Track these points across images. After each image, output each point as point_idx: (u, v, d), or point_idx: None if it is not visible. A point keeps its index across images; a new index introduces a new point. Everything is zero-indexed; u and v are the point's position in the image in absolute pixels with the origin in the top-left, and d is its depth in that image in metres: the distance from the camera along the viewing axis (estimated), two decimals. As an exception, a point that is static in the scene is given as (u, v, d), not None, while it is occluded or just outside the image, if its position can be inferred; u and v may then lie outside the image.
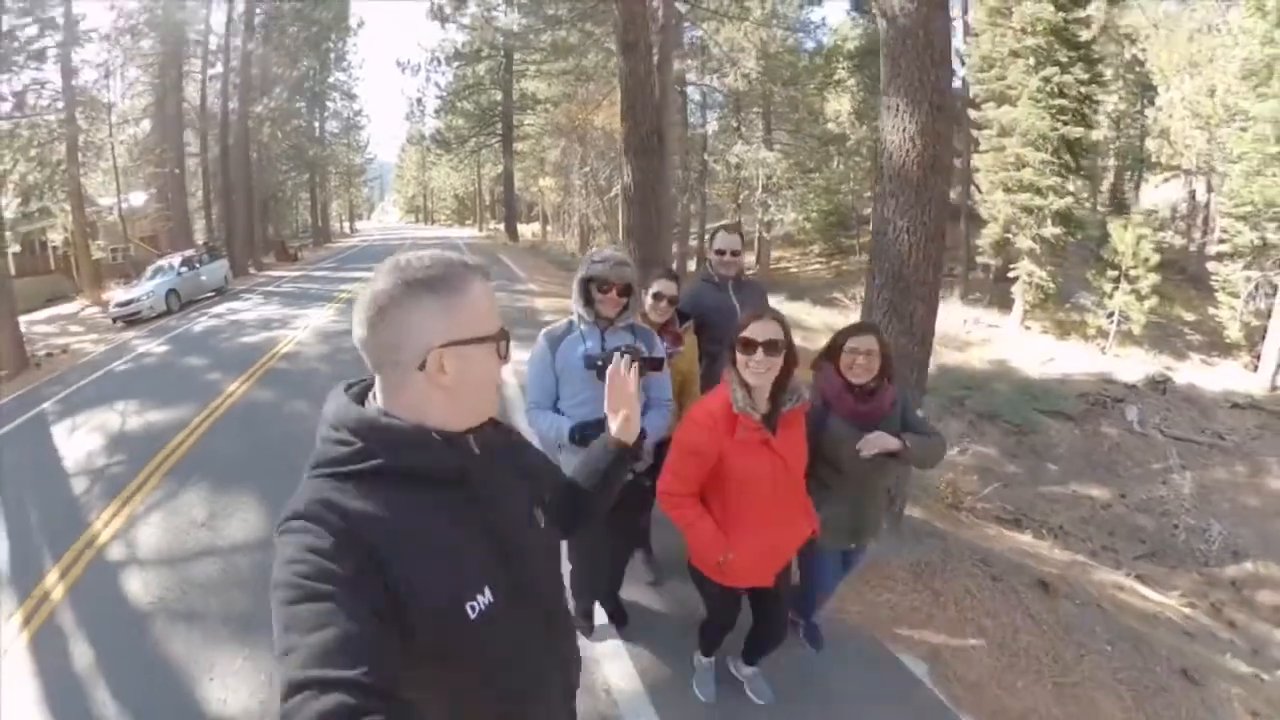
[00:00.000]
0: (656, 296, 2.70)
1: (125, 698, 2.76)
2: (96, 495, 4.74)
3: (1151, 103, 26.71)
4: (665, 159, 9.15)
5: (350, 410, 0.87)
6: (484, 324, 0.90)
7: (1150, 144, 26.60)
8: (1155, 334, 19.07)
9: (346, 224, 53.89)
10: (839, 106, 22.64)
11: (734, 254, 3.16)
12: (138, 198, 23.05)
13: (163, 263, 14.51)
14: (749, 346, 1.85)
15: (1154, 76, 26.04)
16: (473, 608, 0.84)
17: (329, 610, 0.71)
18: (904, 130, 3.17)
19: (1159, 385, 15.69)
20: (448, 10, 18.52)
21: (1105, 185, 29.66)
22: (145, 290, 13.11)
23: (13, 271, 17.46)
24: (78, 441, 5.98)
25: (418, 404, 0.88)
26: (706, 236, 2.84)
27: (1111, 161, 29.32)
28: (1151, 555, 10.92)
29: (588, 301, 2.25)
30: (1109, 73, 28.86)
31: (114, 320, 12.88)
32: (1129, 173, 29.70)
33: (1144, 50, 26.93)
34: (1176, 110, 24.50)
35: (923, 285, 3.33)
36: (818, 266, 24.89)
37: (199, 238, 21.22)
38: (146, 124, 22.50)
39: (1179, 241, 26.16)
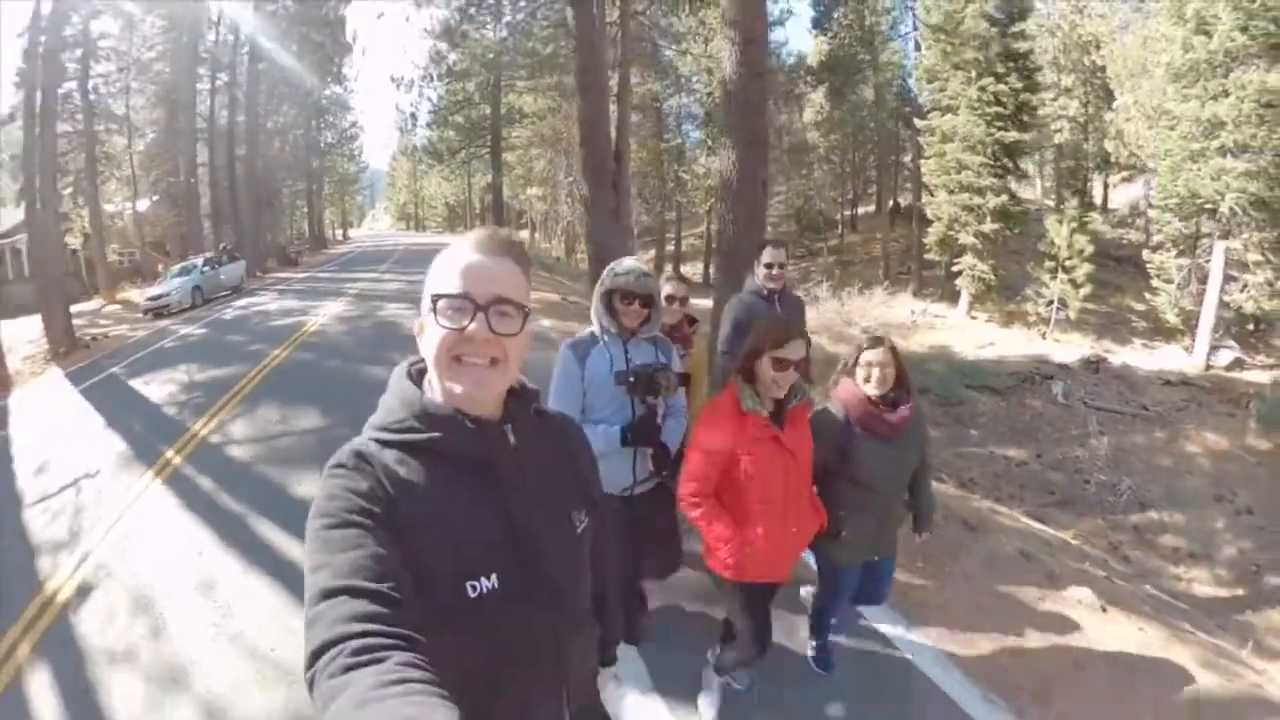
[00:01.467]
0: (668, 299, 2.87)
1: (241, 499, 4.70)
2: (188, 414, 6.72)
3: (1109, 106, 28.87)
4: (623, 174, 11.18)
5: (401, 384, 0.96)
6: (436, 282, 0.92)
7: (1109, 145, 28.75)
8: (1103, 321, 20.98)
9: (339, 231, 56.00)
10: (807, 117, 24.84)
11: (780, 268, 3.37)
12: (141, 204, 25.02)
13: (188, 262, 16.59)
14: (781, 365, 1.97)
15: (1111, 81, 28.19)
16: (473, 587, 0.88)
17: (361, 535, 0.78)
18: (730, 159, 5.18)
19: (1092, 365, 17.62)
20: (445, 45, 20.47)
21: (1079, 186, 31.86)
22: (174, 286, 15.12)
23: (26, 273, 19.78)
24: (156, 389, 7.94)
25: (432, 381, 0.95)
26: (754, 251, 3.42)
27: (1090, 164, 31.54)
28: (1060, 504, 12.73)
29: (610, 313, 2.30)
30: (1071, 79, 31.37)
31: (145, 312, 14.82)
32: (1097, 173, 31.89)
33: (1103, 56, 29.16)
34: (1130, 112, 26.60)
35: (745, 254, 5.27)
36: (790, 267, 26.71)
37: (208, 243, 23.23)
38: (151, 135, 24.71)
39: (1137, 237, 28.25)
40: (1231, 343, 18.22)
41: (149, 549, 4.14)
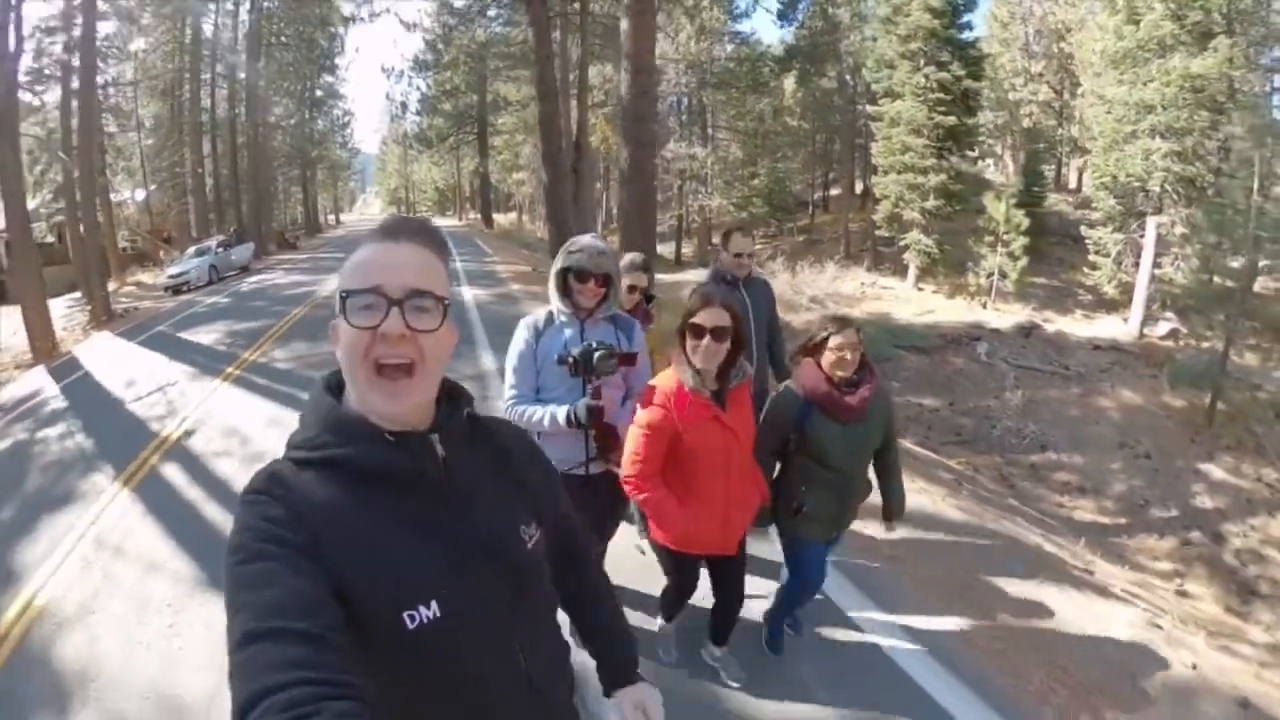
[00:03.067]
0: (629, 289, 3.02)
1: (289, 386, 7.05)
2: (236, 348, 9.15)
3: (1073, 93, 31.02)
4: (583, 161, 13.56)
5: (317, 396, 0.91)
6: (345, 278, 0.86)
7: (1075, 129, 30.93)
8: (1050, 294, 23.12)
9: (332, 216, 58.38)
10: (776, 103, 27.09)
11: (749, 256, 3.47)
12: (139, 194, 27.18)
13: (203, 244, 18.99)
14: (698, 332, 2.05)
15: (1077, 68, 30.27)
16: (411, 618, 0.81)
17: (278, 569, 0.73)
18: (625, 156, 7.51)
19: (1025, 331, 19.84)
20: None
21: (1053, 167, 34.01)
22: (192, 265, 17.54)
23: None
24: (203, 336, 10.35)
25: (350, 388, 0.89)
26: (719, 238, 4.47)
27: (1064, 147, 33.65)
28: (962, 444, 14.82)
29: (565, 293, 2.30)
30: (1040, 65, 33.47)
31: (165, 289, 17.23)
32: (1069, 156, 34.07)
33: (1071, 44, 31.30)
34: (1091, 98, 28.68)
35: (640, 229, 7.69)
36: (760, 246, 28.99)
37: (212, 229, 25.56)
38: (152, 127, 26.96)
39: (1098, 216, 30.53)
40: (1170, 314, 19.74)
41: (228, 413, 6.59)
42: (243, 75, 25.39)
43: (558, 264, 2.30)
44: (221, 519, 4.46)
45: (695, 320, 2.06)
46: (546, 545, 1.03)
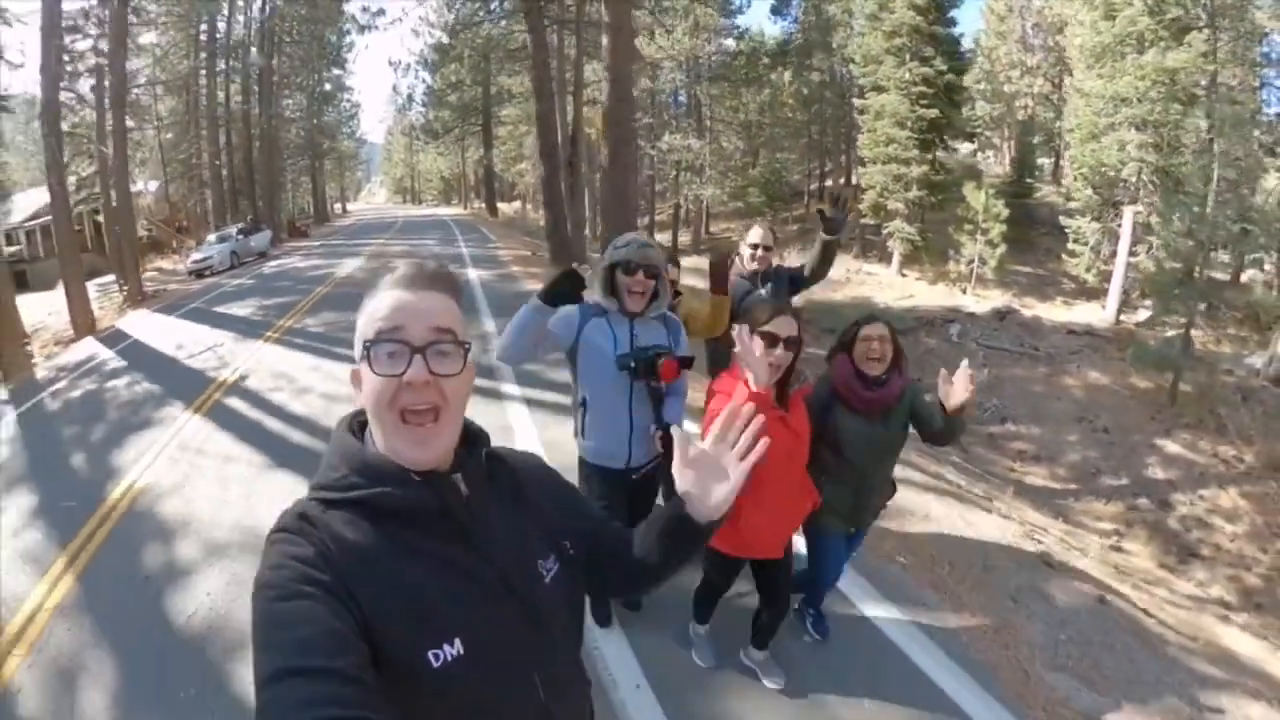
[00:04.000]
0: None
1: (324, 344, 8.45)
2: (270, 318, 10.57)
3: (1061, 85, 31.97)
4: (578, 155, 14.92)
5: (341, 438, 0.94)
6: (367, 326, 0.89)
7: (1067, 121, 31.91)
8: (1033, 282, 24.24)
9: (338, 205, 59.97)
10: (767, 98, 28.32)
11: (766, 249, 3.37)
12: (153, 185, 28.81)
13: (224, 231, 20.50)
14: (772, 341, 2.06)
15: (1071, 62, 31.23)
16: (436, 656, 0.84)
17: (310, 608, 0.75)
18: (606, 152, 8.84)
19: (1001, 315, 21.04)
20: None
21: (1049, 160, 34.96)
22: (215, 250, 19.00)
23: (50, 251, 23.28)
24: (238, 310, 11.79)
25: (375, 433, 0.91)
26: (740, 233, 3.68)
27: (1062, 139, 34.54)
28: None
29: (611, 290, 2.31)
30: (1037, 58, 34.33)
31: (190, 273, 18.68)
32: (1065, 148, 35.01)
33: (1067, 37, 32.26)
34: (1071, 91, 29.62)
35: (620, 217, 9.04)
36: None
37: (226, 218, 27.06)
38: (171, 121, 28.45)
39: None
40: (1148, 302, 20.37)
41: (274, 363, 8.04)
42: (257, 71, 26.84)
43: (604, 261, 2.33)
44: (281, 429, 5.90)
45: (769, 329, 2.07)
46: (567, 582, 1.05)
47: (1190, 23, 19.58)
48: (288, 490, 4.60)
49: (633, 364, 2.24)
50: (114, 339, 11.34)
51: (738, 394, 1.99)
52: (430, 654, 0.84)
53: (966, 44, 25.60)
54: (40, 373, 10.09)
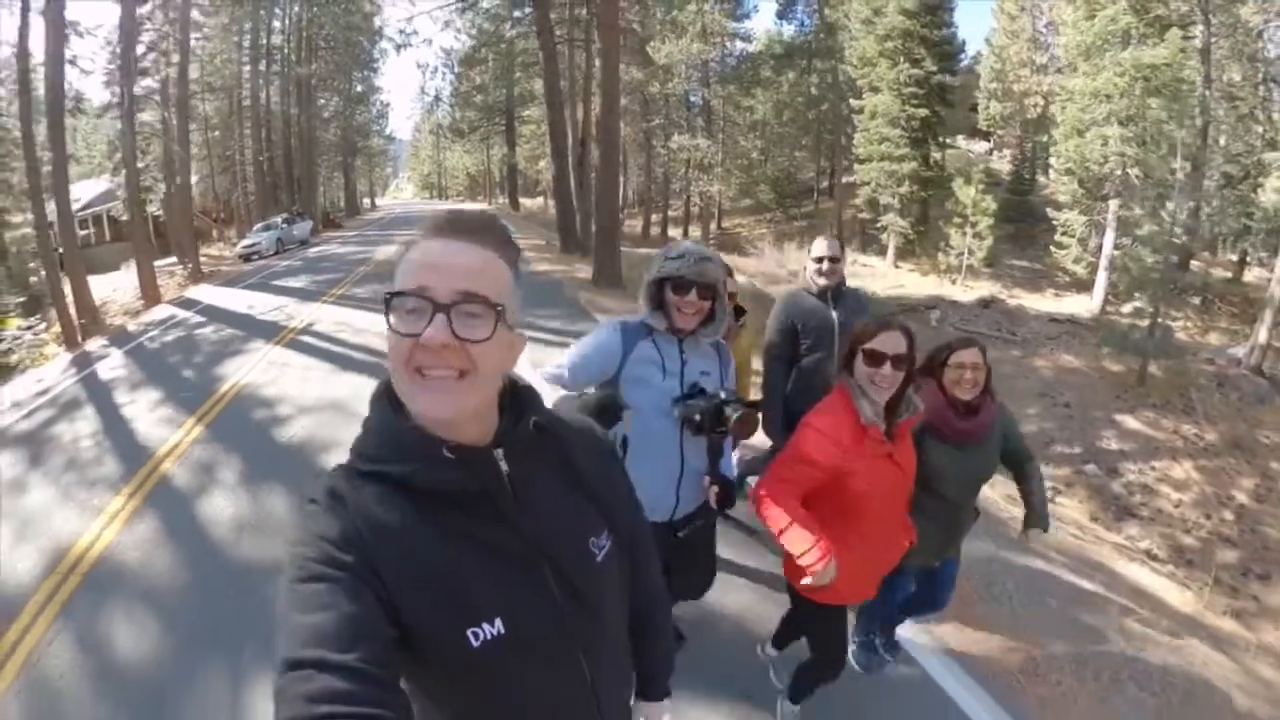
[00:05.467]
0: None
1: (375, 307, 10.67)
2: (323, 289, 12.84)
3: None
4: (588, 156, 17.04)
5: (378, 406, 0.89)
6: (396, 279, 0.83)
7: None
8: (1026, 275, 25.69)
9: (367, 200, 63.07)
10: (777, 96, 30.22)
11: (833, 261, 3.14)
12: (193, 179, 31.46)
13: (270, 220, 23.14)
14: (877, 359, 1.87)
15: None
16: (475, 635, 0.83)
17: (330, 591, 0.75)
18: (598, 155, 11.00)
19: (985, 303, 22.63)
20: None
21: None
22: (262, 237, 21.58)
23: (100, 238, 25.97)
24: (292, 284, 14.11)
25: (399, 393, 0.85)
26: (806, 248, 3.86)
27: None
28: None
29: (659, 305, 2.03)
30: (1046, 56, 35.60)
31: (239, 256, 21.23)
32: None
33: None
34: (1057, 88, 30.62)
35: (611, 210, 11.21)
36: (764, 230, 32.15)
37: (268, 210, 29.80)
38: (217, 120, 31.31)
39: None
40: (1139, 294, 20.81)
41: (335, 316, 10.31)
42: (297, 74, 29.60)
43: (651, 272, 2.03)
44: (346, 352, 8.18)
45: (872, 345, 1.88)
46: (620, 558, 1.03)
47: (1179, 20, 20.61)
48: (355, 384, 6.83)
49: (698, 416, 1.95)
50: (187, 304, 13.72)
51: (839, 427, 1.91)
52: (470, 633, 0.82)
53: (976, 44, 27.06)
54: (131, 327, 12.45)
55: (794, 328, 3.18)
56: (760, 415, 2.10)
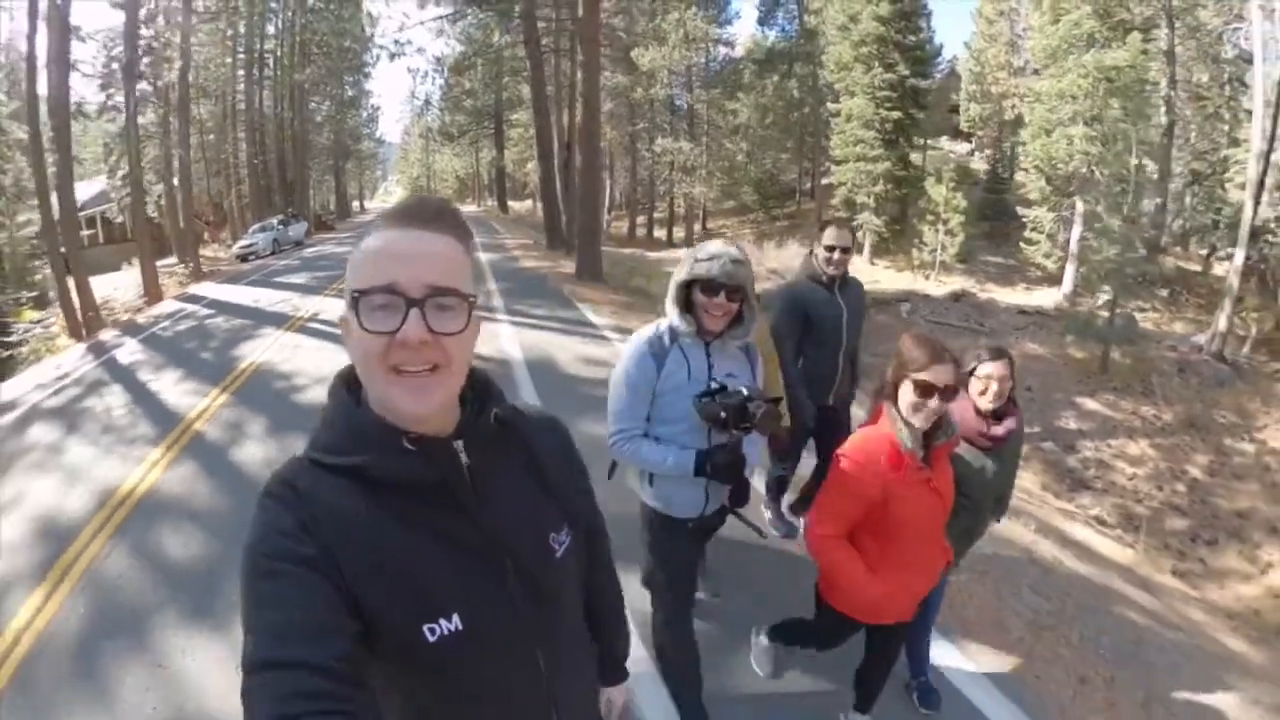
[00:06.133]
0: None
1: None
2: (324, 284, 13.71)
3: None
4: (573, 159, 17.94)
5: (337, 396, 0.89)
6: (356, 272, 0.82)
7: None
8: (1000, 270, 26.65)
9: (357, 203, 63.87)
10: (754, 101, 31.30)
11: (844, 251, 3.19)
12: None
13: (266, 222, 23.97)
14: (927, 391, 1.88)
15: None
16: (432, 630, 0.83)
17: (291, 587, 0.75)
18: (580, 160, 11.94)
19: (956, 297, 23.62)
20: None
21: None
22: (259, 238, 22.41)
23: (94, 240, 26.66)
24: (293, 280, 14.95)
25: (367, 389, 0.85)
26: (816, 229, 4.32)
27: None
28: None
29: (686, 308, 2.03)
30: (1023, 59, 36.70)
31: (236, 256, 22.01)
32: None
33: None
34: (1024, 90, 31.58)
35: (590, 217, 12.20)
36: (747, 230, 33.08)
37: (263, 213, 30.61)
38: (211, 123, 32.15)
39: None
40: (1106, 286, 21.51)
41: (339, 308, 11.01)
42: (289, 79, 30.47)
43: (680, 274, 2.01)
44: (339, 352, 8.99)
45: (925, 378, 1.88)
46: (579, 553, 1.04)
47: (1142, 24, 21.60)
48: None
49: (722, 414, 1.95)
50: (192, 300, 14.51)
51: (876, 455, 1.94)
52: (426, 628, 0.82)
53: (955, 48, 28.00)
54: (140, 320, 13.26)
55: (805, 317, 3.25)
56: (777, 402, 2.06)
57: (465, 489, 0.89)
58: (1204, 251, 24.31)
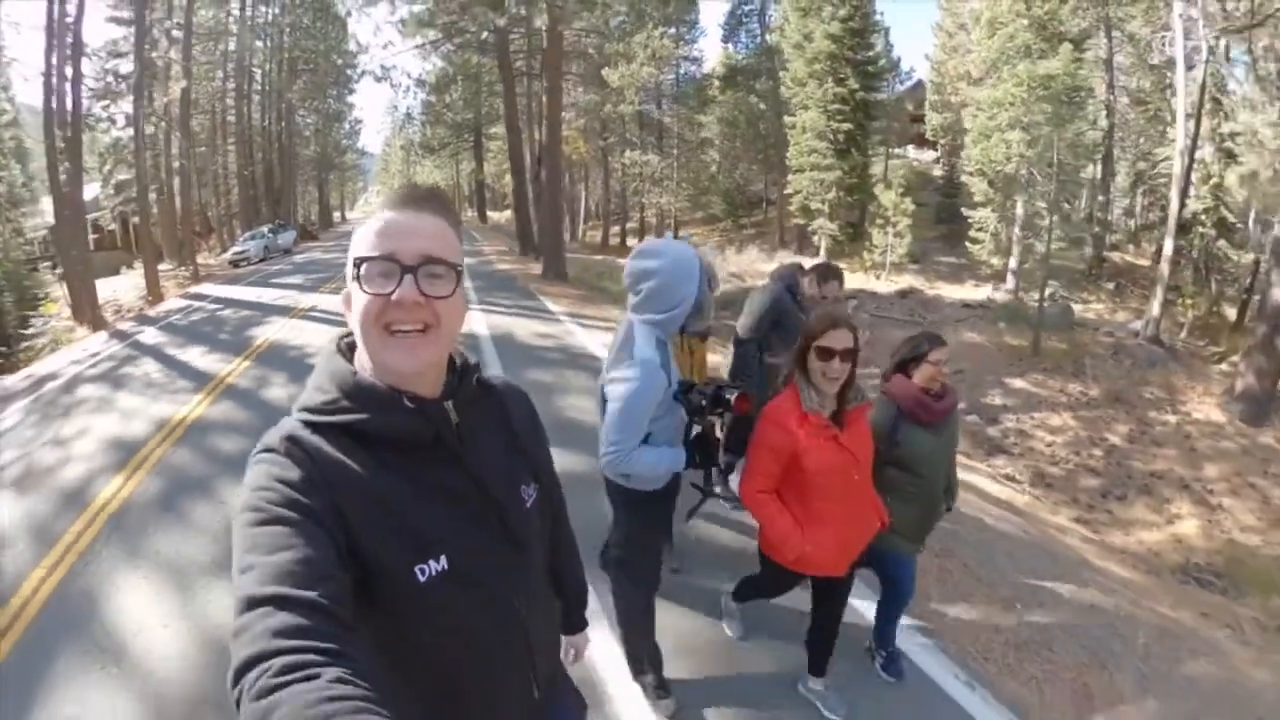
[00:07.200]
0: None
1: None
2: (318, 284, 15.60)
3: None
4: (546, 171, 19.79)
5: (331, 360, 0.99)
6: (358, 245, 0.93)
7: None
8: (952, 269, 28.42)
9: (338, 214, 65.44)
10: (719, 114, 33.47)
11: (835, 300, 3.69)
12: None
13: (256, 230, 25.80)
14: (827, 355, 2.15)
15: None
16: (422, 571, 0.92)
17: (291, 534, 0.80)
18: (545, 174, 13.97)
19: (903, 294, 25.51)
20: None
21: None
22: (250, 245, 24.21)
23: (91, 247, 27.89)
24: (289, 280, 16.79)
25: (363, 355, 0.97)
26: (812, 270, 4.06)
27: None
28: None
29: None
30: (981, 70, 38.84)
31: (230, 262, 23.75)
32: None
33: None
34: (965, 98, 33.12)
35: (553, 228, 14.42)
36: (717, 238, 35.17)
37: (251, 222, 32.39)
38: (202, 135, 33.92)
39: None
40: (1053, 281, 21.52)
41: (335, 304, 12.93)
42: (278, 94, 32.39)
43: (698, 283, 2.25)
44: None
45: (823, 343, 2.14)
46: (543, 506, 1.18)
47: (1078, 35, 23.27)
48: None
49: (704, 403, 2.21)
50: (197, 297, 16.25)
51: (787, 415, 2.21)
52: (417, 569, 0.92)
53: (913, 60, 29.70)
54: (150, 314, 14.96)
55: (774, 322, 3.72)
56: (750, 394, 2.29)
57: (456, 444, 1.00)
58: (1151, 247, 25.78)
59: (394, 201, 0.96)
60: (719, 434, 3.42)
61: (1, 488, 5.56)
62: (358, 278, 0.91)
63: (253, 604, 0.73)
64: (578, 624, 1.52)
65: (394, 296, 0.89)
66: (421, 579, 0.93)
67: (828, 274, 3.80)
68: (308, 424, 0.94)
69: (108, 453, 6.07)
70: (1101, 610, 3.89)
